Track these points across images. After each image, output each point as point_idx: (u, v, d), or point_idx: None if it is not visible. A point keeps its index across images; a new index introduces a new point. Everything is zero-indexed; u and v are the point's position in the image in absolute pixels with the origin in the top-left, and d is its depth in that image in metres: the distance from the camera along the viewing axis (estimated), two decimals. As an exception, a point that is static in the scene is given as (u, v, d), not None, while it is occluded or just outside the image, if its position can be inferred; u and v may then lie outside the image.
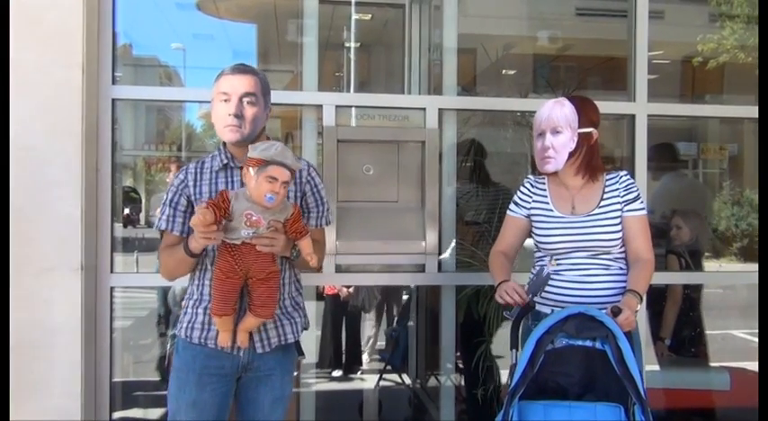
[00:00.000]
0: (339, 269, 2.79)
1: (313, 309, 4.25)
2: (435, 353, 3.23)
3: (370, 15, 4.92)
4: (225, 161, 1.93)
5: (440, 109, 2.86)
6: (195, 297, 1.94)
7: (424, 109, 2.84)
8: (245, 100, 1.86)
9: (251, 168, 1.74)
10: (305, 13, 3.10)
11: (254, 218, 1.76)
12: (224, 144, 1.95)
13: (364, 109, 2.87)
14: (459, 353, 3.22)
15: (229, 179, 1.93)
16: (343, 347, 4.59)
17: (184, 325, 1.94)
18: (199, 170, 1.96)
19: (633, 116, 2.92)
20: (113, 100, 2.63)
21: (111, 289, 2.62)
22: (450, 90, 3.04)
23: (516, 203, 2.22)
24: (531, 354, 1.79)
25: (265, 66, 6.49)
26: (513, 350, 1.95)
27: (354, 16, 4.75)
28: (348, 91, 4.09)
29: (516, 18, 5.16)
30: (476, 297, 3.04)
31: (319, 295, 4.48)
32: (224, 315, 1.83)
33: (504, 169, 3.84)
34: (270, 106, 1.98)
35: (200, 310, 1.92)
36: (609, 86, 4.78)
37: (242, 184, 1.85)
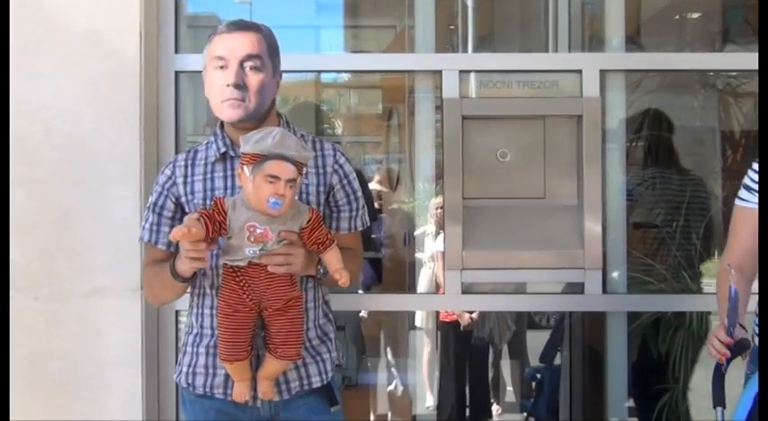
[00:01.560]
0: (466, 289, 2.79)
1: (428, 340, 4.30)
2: (597, 404, 3.17)
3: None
4: (223, 149, 1.92)
5: (601, 70, 2.81)
6: (195, 331, 1.95)
7: (580, 71, 2.80)
8: (248, 65, 1.84)
9: (245, 167, 1.72)
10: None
11: (258, 231, 1.73)
12: (221, 126, 1.96)
13: (498, 74, 2.84)
14: (632, 404, 3.15)
15: (229, 173, 1.92)
16: (467, 393, 4.58)
17: (184, 369, 1.95)
18: (190, 163, 1.97)
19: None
20: (177, 73, 2.77)
21: (177, 312, 2.75)
22: (615, 44, 2.98)
23: (748, 188, 2.03)
24: (749, 417, 1.70)
25: (356, 20, 6.63)
26: (719, 408, 1.86)
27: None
28: (465, 49, 4.08)
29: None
30: (654, 328, 2.96)
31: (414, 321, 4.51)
32: (236, 360, 1.80)
33: (688, 150, 3.71)
34: (280, 72, 1.96)
35: (202, 349, 1.92)
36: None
37: None
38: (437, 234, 4.40)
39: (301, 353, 1.86)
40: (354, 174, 2.02)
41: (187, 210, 1.92)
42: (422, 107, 2.97)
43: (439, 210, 4.34)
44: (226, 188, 1.90)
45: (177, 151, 2.77)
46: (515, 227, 2.79)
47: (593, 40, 3.36)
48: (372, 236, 5.22)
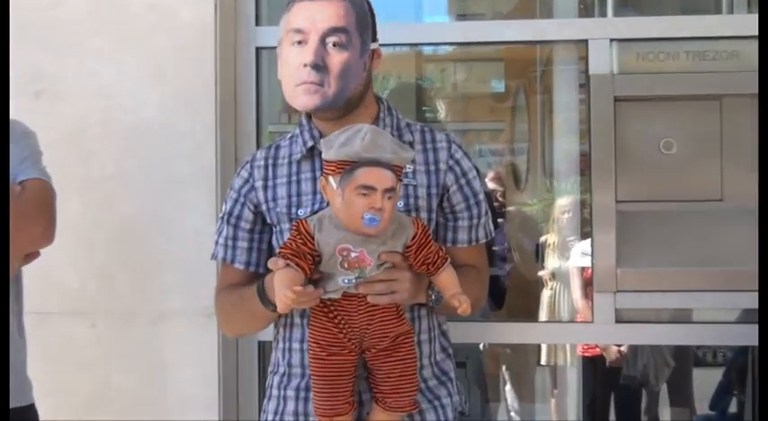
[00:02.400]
0: (621, 317, 2.76)
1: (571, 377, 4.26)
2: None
3: None
4: (310, 143, 1.95)
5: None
6: (281, 370, 1.97)
7: None
8: (330, 40, 1.86)
9: (330, 177, 1.73)
10: None
11: (353, 254, 1.73)
12: (308, 115, 1.99)
13: (660, 43, 2.80)
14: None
15: (318, 173, 1.92)
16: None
17: (269, 417, 1.97)
18: (271, 162, 2.01)
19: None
20: (258, 49, 2.83)
21: (261, 345, 2.79)
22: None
23: None
24: None
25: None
26: None
27: None
28: (603, 6, 4.04)
29: None
30: None
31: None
32: (335, 415, 1.79)
33: None
34: (373, 50, 1.97)
35: (291, 392, 1.94)
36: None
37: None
38: (562, 244, 4.38)
39: (416, 400, 1.84)
40: (475, 172, 2.02)
41: (268, 219, 1.97)
42: (559, 84, 2.94)
43: (566, 215, 4.33)
44: (315, 192, 1.91)
45: (259, 146, 2.82)
46: (683, 237, 2.75)
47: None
48: (493, 248, 5.22)
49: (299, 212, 1.91)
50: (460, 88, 7.02)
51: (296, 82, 1.88)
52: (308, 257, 1.72)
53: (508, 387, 4.87)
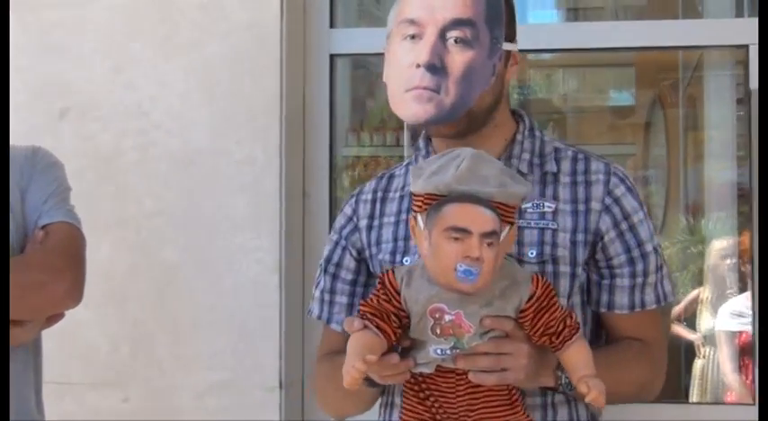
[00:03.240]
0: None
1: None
2: None
3: None
4: None
5: None
6: None
7: None
8: (452, 35, 1.82)
9: (419, 215, 1.69)
10: None
11: (447, 318, 1.67)
12: (428, 136, 1.98)
13: None
14: None
15: None
16: None
17: None
18: (380, 195, 2.00)
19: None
20: (332, 56, 2.83)
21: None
22: None
23: None
24: None
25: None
26: None
27: None
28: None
29: None
30: None
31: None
32: None
33: None
34: (505, 50, 1.89)
35: None
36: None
37: None
38: (718, 299, 4.30)
39: None
40: (643, 215, 1.94)
41: (371, 267, 1.95)
42: (710, 96, 2.92)
43: (727, 262, 4.22)
44: None
45: (333, 175, 2.83)
46: None
47: None
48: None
49: (404, 260, 1.88)
50: (572, 100, 6.95)
51: (406, 87, 1.85)
52: (393, 318, 1.68)
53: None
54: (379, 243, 1.94)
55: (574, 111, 6.95)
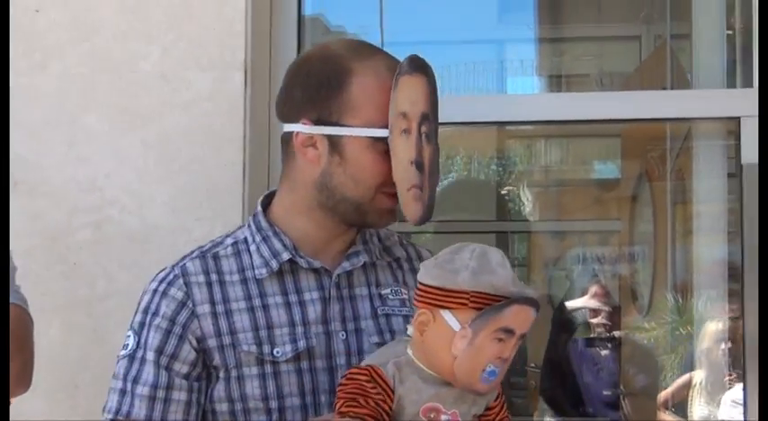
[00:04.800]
0: None
1: None
2: None
3: None
4: (285, 256, 1.94)
5: None
6: None
7: None
8: (423, 131, 1.87)
9: (448, 312, 1.71)
10: None
11: (443, 418, 1.74)
12: (264, 212, 2.02)
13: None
14: None
15: (295, 298, 1.95)
16: None
17: None
18: (215, 278, 1.97)
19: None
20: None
21: None
22: None
23: None
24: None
25: (558, 30, 6.70)
26: None
27: None
28: (749, 65, 4.10)
29: None
30: None
31: None
32: None
33: None
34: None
35: None
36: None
37: (326, 313, 1.91)
38: (714, 385, 4.32)
39: None
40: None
41: (216, 360, 1.91)
42: (699, 169, 2.96)
43: (722, 346, 4.26)
44: (293, 324, 1.92)
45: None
46: None
47: None
48: (604, 392, 5.19)
49: (274, 352, 1.89)
50: (554, 172, 7.00)
51: (407, 186, 1.88)
52: (384, 414, 1.71)
53: None
54: (233, 333, 1.91)
55: (556, 183, 7.02)
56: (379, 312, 1.98)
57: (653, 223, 5.01)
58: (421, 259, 1.99)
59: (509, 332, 1.67)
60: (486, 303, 1.67)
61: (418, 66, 1.89)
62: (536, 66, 6.73)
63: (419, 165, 1.84)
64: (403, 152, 1.85)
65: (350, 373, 1.75)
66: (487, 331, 1.66)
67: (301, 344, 1.89)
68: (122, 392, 1.92)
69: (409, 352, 1.75)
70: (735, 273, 3.04)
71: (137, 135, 2.75)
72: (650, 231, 5.12)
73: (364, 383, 1.71)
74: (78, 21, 2.80)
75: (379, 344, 1.88)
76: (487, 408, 1.80)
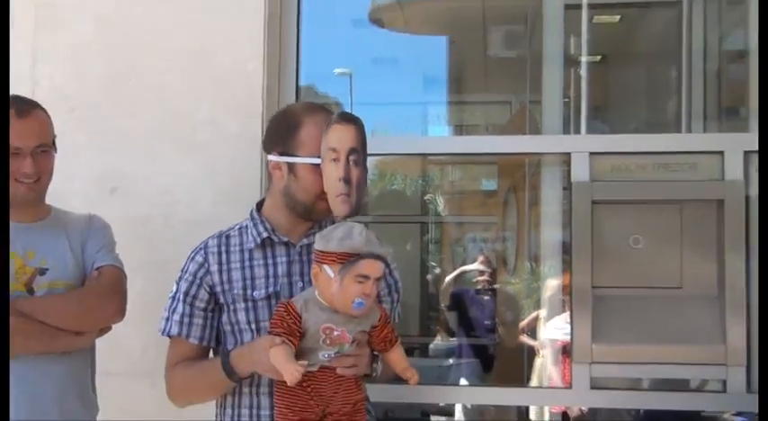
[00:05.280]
0: (596, 384, 2.76)
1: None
2: None
3: (618, 17, 4.96)
4: (264, 234, 1.97)
5: (746, 152, 2.76)
6: None
7: (722, 153, 2.77)
8: (352, 158, 1.87)
9: (326, 266, 1.74)
10: (545, 24, 3.21)
11: (335, 333, 1.75)
12: (258, 208, 2.03)
13: (631, 156, 2.83)
14: None
15: (270, 260, 1.97)
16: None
17: None
18: (224, 249, 2.01)
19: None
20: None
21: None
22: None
23: None
24: None
25: (460, 96, 6.72)
26: None
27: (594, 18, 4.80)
28: (577, 122, 4.14)
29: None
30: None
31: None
32: None
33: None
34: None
35: None
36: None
37: (290, 270, 1.92)
38: (550, 319, 4.37)
39: None
40: (395, 264, 2.07)
41: (221, 300, 1.98)
42: (545, 186, 3.01)
43: (552, 294, 4.33)
44: (267, 277, 1.95)
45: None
46: (649, 318, 2.76)
47: (731, 113, 3.34)
48: (486, 322, 5.24)
49: (254, 294, 1.94)
50: (457, 186, 7.09)
51: (335, 193, 1.87)
52: (297, 335, 1.74)
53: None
54: (230, 281, 1.97)
55: (458, 192, 7.07)
56: None
57: (516, 218, 5.09)
58: None
59: (365, 277, 1.71)
60: (347, 259, 1.71)
61: (345, 117, 1.91)
62: (447, 117, 6.78)
63: (347, 180, 1.84)
64: (332, 173, 1.86)
65: (276, 308, 1.81)
66: (350, 277, 1.70)
67: (271, 289, 1.94)
68: (166, 319, 2.02)
69: (315, 292, 1.78)
70: (566, 250, 3.07)
71: (193, 158, 2.75)
72: (515, 223, 5.20)
73: (282, 313, 1.76)
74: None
75: None
76: (373, 327, 1.81)
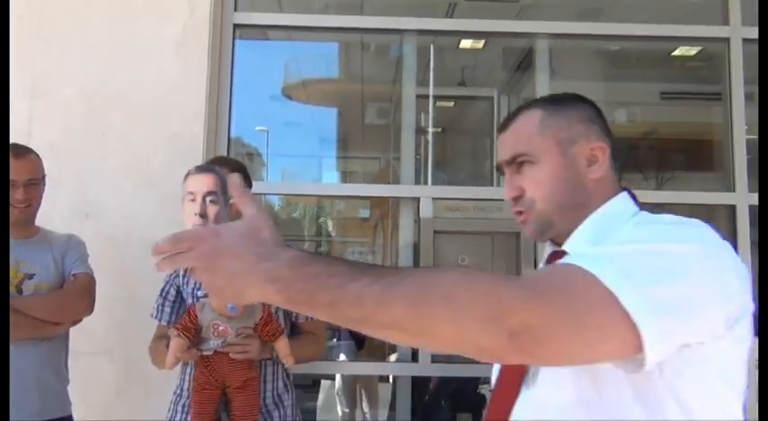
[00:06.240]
0: (437, 359, 2.83)
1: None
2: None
3: (452, 103, 5.13)
4: None
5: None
6: (177, 391, 1.96)
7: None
8: (208, 199, 1.86)
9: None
10: (403, 105, 3.28)
11: (220, 327, 1.74)
12: None
13: (458, 201, 2.95)
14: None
15: None
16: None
17: (168, 416, 1.96)
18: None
19: (734, 207, 2.88)
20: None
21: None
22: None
23: None
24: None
25: (345, 152, 6.76)
26: None
27: (437, 103, 4.95)
28: (425, 173, 4.24)
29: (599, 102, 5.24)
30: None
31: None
32: None
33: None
34: (230, 203, 1.96)
35: (180, 408, 1.92)
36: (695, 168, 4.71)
37: None
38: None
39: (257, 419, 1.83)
40: None
41: (184, 295, 1.97)
42: (402, 218, 3.05)
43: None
44: None
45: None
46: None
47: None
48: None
49: (197, 292, 1.92)
50: (342, 213, 7.09)
51: (192, 224, 1.85)
52: (192, 330, 1.75)
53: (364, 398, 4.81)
54: (187, 284, 1.98)
55: (343, 219, 7.06)
56: None
57: (383, 238, 5.16)
58: None
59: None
60: None
61: (203, 169, 1.93)
62: (335, 166, 6.76)
63: (202, 215, 1.83)
64: (189, 209, 1.86)
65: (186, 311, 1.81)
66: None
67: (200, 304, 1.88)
68: (154, 308, 2.00)
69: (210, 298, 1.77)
70: (416, 263, 3.12)
71: (151, 193, 2.65)
72: (381, 242, 5.25)
73: (184, 314, 1.80)
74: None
75: None
76: (255, 324, 1.78)
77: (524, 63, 3.69)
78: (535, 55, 3.20)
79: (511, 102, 3.93)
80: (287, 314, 1.98)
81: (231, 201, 1.90)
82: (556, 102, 1.06)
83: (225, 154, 2.82)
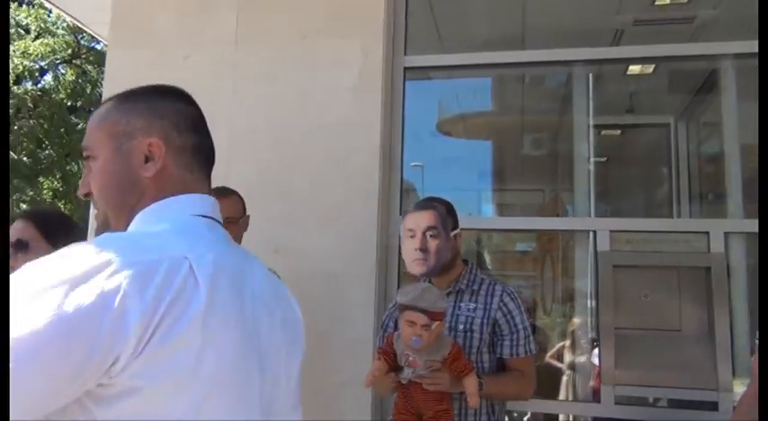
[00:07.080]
0: (618, 401, 2.68)
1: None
2: None
3: (619, 131, 4.94)
4: None
5: (726, 233, 2.71)
6: (390, 417, 2.01)
7: (707, 233, 2.71)
8: (428, 234, 1.93)
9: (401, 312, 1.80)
10: (574, 136, 3.21)
11: (410, 358, 1.80)
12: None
13: (639, 233, 2.79)
14: None
15: None
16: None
17: None
18: None
19: None
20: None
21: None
22: (736, 210, 2.90)
23: None
24: None
25: (503, 184, 6.67)
26: None
27: (601, 132, 4.79)
28: (597, 205, 4.08)
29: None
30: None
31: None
32: None
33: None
34: (453, 233, 2.00)
35: None
36: None
37: None
38: (573, 348, 4.24)
39: None
40: (519, 311, 1.99)
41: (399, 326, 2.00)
42: (580, 256, 2.96)
43: (576, 330, 4.20)
44: None
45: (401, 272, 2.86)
46: (657, 352, 2.70)
47: (711, 203, 3.27)
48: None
49: None
50: (499, 247, 6.94)
51: (412, 259, 1.97)
52: (390, 355, 1.83)
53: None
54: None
55: (506, 253, 6.93)
56: None
57: (552, 273, 5.01)
58: (493, 291, 2.04)
59: (411, 322, 1.75)
60: (402, 308, 1.82)
61: (422, 206, 2.02)
62: (492, 199, 6.70)
63: (423, 250, 1.97)
64: (409, 246, 2.03)
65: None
66: (402, 321, 1.82)
67: (396, 334, 1.95)
68: (378, 338, 2.16)
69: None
70: (592, 299, 3.01)
71: (330, 228, 2.80)
72: (550, 276, 5.11)
73: (384, 341, 1.98)
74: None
75: None
76: (444, 358, 1.81)
77: (705, 86, 3.47)
78: (718, 77, 3.01)
79: (690, 127, 3.71)
80: (491, 350, 2.00)
81: (454, 233, 2.01)
82: (128, 94, 1.02)
83: (399, 189, 2.92)
